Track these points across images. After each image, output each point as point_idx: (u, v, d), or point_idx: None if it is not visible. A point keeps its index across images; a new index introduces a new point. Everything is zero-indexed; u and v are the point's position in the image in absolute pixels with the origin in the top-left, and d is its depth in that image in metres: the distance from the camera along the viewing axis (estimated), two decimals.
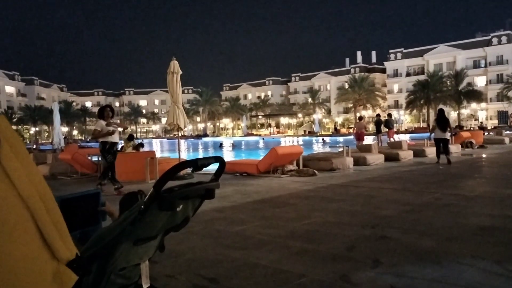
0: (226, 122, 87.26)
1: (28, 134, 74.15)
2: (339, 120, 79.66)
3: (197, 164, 1.60)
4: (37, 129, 75.30)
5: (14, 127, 69.33)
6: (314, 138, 47.02)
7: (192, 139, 58.77)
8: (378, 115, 21.47)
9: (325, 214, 5.22)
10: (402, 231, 4.27)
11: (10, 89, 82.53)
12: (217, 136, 76.29)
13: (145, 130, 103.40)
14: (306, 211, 5.48)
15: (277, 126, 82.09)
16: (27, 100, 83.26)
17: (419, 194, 6.59)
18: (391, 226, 4.47)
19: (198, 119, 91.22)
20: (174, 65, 9.83)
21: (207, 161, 1.67)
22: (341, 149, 12.02)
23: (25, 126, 74.14)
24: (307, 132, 67.27)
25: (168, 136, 76.49)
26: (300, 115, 79.42)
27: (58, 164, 11.94)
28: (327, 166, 10.38)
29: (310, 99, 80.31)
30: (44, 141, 69.12)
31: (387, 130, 20.05)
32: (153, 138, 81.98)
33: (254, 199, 6.53)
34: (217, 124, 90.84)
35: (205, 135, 72.12)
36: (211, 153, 28.27)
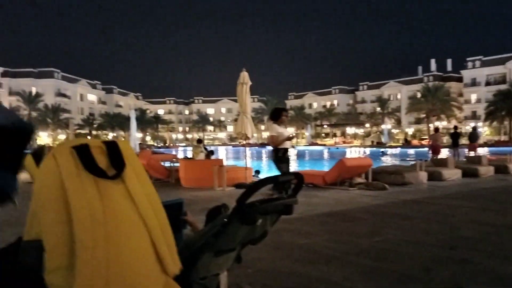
0: (290, 130, 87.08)
1: (106, 139, 79.24)
2: (410, 131, 76.41)
3: (278, 181, 1.67)
4: (115, 134, 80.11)
5: (94, 132, 74.68)
6: (381, 149, 45.48)
7: (257, 147, 59.45)
8: (456, 127, 20.33)
9: (398, 232, 4.98)
10: (485, 254, 3.95)
11: (92, 97, 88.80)
12: None
13: (211, 137, 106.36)
14: (377, 227, 5.27)
15: (343, 135, 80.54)
16: (107, 107, 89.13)
17: (502, 214, 6.09)
18: (472, 248, 4.16)
19: (263, 127, 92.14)
20: (244, 76, 10.02)
21: (287, 177, 1.74)
22: (413, 162, 11.49)
23: (104, 132, 79.19)
24: (375, 143, 65.30)
25: (233, 143, 78.01)
26: (367, 125, 77.31)
27: None
28: (398, 180, 9.95)
29: (378, 109, 77.95)
30: None
31: (469, 143, 19.00)
32: (219, 145, 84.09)
33: (322, 212, 6.41)
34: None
35: (268, 144, 72.50)
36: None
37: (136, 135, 21.57)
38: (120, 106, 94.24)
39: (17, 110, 66.27)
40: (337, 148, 56.44)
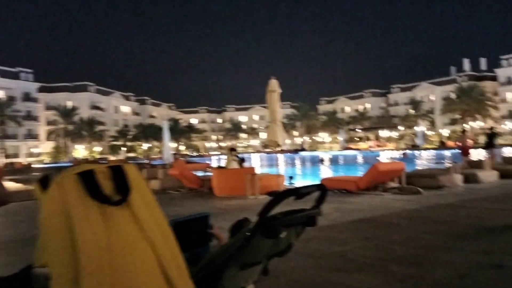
0: (323, 136, 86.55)
1: (140, 150, 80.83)
2: (445, 132, 74.30)
3: (299, 193, 1.63)
4: (150, 145, 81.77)
5: (129, 143, 76.26)
6: (415, 152, 44.43)
7: (290, 154, 59.20)
8: (492, 127, 19.64)
9: (432, 237, 4.94)
10: None
11: (125, 108, 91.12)
12: (314, 150, 75.91)
13: (245, 145, 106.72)
14: (411, 233, 5.24)
15: (377, 139, 79.14)
16: (140, 118, 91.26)
17: None
18: (508, 254, 4.09)
19: (296, 133, 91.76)
20: (273, 83, 10.15)
21: (309, 189, 1.70)
22: (448, 165, 11.25)
23: (138, 143, 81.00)
24: (410, 146, 63.85)
25: (267, 150, 78.05)
26: (401, 127, 75.75)
27: (168, 179, 12.89)
28: (433, 184, 9.78)
29: (411, 111, 76.29)
30: (154, 156, 74.98)
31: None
32: (252, 152, 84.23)
33: (355, 218, 6.41)
34: (314, 138, 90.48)
35: (303, 150, 72.21)
36: (308, 167, 28.24)
37: (169, 145, 22.01)
38: (153, 116, 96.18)
39: (54, 123, 69.04)
40: (371, 152, 55.55)
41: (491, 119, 64.95)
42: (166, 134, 21.16)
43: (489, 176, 10.89)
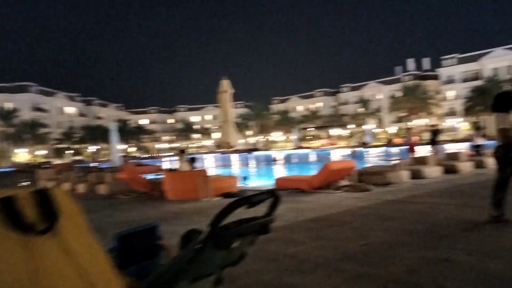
0: (276, 135, 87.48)
1: (87, 152, 77.98)
2: (393, 130, 77.41)
3: (252, 201, 1.59)
4: (97, 147, 79.04)
5: (75, 146, 73.27)
6: (363, 150, 45.90)
7: (244, 153, 59.28)
8: (435, 125, 20.65)
9: (383, 234, 5.06)
10: (466, 252, 4.04)
11: (70, 109, 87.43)
12: (268, 149, 76.52)
13: (198, 145, 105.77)
14: (363, 230, 5.34)
15: (328, 137, 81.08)
16: (87, 119, 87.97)
17: (481, 211, 6.19)
18: (454, 247, 4.26)
19: (249, 133, 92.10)
20: (225, 84, 10.06)
21: (261, 197, 1.66)
22: (395, 162, 11.66)
23: (84, 145, 78.07)
24: (359, 143, 65.88)
25: (220, 150, 77.75)
26: (351, 126, 78.08)
27: (117, 183, 12.46)
28: (382, 180, 10.10)
29: (360, 109, 78.85)
30: (103, 159, 72.52)
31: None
32: (206, 153, 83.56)
33: (308, 218, 6.46)
34: (268, 137, 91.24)
35: (256, 149, 72.57)
36: (262, 167, 28.37)
37: (117, 147, 21.30)
38: (100, 117, 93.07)
39: None
40: (323, 150, 56.75)
41: (434, 116, 68.56)
42: (114, 136, 20.47)
43: (433, 171, 11.40)
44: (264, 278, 3.64)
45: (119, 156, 20.68)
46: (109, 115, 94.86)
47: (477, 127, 17.89)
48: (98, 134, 75.43)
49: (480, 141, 16.63)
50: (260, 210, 1.77)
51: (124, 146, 79.47)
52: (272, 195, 1.76)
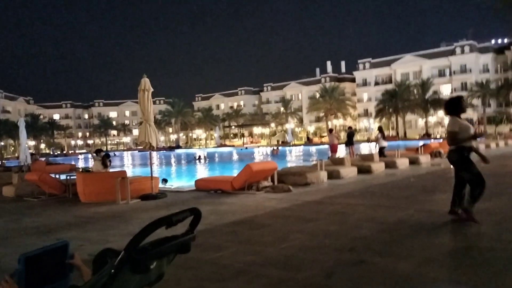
0: (199, 132, 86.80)
1: None
2: (312, 129, 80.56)
3: (172, 221, 1.54)
4: (2, 143, 72.66)
5: None
6: (286, 148, 47.19)
7: (165, 151, 58.02)
8: (350, 127, 21.73)
9: (302, 236, 5.17)
10: (379, 253, 4.25)
11: None
12: (190, 147, 75.65)
13: (115, 142, 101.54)
14: (283, 233, 5.42)
15: (250, 136, 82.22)
16: None
17: (393, 211, 6.63)
18: (368, 248, 4.46)
19: (171, 130, 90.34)
20: (145, 82, 9.69)
21: (182, 215, 1.62)
22: (314, 162, 12.07)
23: None
24: (280, 142, 67.66)
25: (139, 148, 75.37)
26: (273, 124, 79.87)
27: (25, 184, 11.46)
28: (302, 181, 10.39)
29: (282, 109, 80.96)
30: (9, 156, 66.71)
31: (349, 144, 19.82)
32: (124, 150, 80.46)
33: (230, 221, 6.43)
34: (190, 135, 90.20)
35: (178, 147, 71.37)
36: (183, 166, 27.93)
37: (26, 144, 19.65)
38: (8, 111, 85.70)
39: None
40: (246, 148, 57.36)
41: (350, 117, 72.59)
42: (23, 132, 18.84)
43: (349, 172, 11.97)
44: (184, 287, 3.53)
45: (28, 153, 19.06)
46: (17, 108, 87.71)
47: (380, 129, 18.72)
48: (4, 129, 69.43)
49: (384, 143, 17.63)
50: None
51: (34, 143, 73.92)
52: (192, 213, 1.72)
